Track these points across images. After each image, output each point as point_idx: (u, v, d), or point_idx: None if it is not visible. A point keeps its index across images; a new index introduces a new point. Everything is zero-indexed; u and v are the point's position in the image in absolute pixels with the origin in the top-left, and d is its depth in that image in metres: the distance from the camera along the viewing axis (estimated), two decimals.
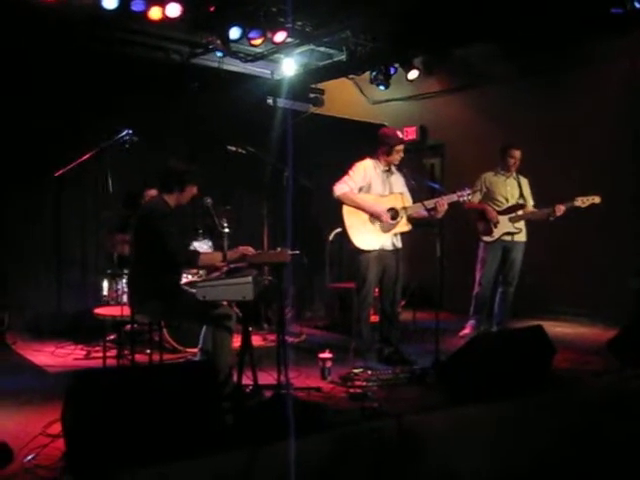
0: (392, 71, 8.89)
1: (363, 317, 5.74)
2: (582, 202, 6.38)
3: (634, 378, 5.16)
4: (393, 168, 5.85)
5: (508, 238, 6.72)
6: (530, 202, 6.84)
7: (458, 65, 8.97)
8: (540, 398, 4.62)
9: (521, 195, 6.78)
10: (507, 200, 6.78)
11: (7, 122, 6.58)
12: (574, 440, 4.59)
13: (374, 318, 6.06)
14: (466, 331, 6.88)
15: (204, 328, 4.59)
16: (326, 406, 4.20)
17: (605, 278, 7.23)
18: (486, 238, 6.79)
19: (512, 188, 6.80)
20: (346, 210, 5.70)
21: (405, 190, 5.87)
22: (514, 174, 6.84)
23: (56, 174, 5.94)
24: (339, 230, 5.99)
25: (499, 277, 6.87)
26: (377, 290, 5.90)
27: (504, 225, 6.72)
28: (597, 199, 6.37)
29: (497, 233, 6.73)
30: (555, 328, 6.82)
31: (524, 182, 6.88)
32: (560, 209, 6.41)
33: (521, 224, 6.76)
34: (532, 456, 4.40)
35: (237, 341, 4.62)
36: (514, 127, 8.19)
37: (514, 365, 4.68)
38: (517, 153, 6.73)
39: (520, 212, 6.75)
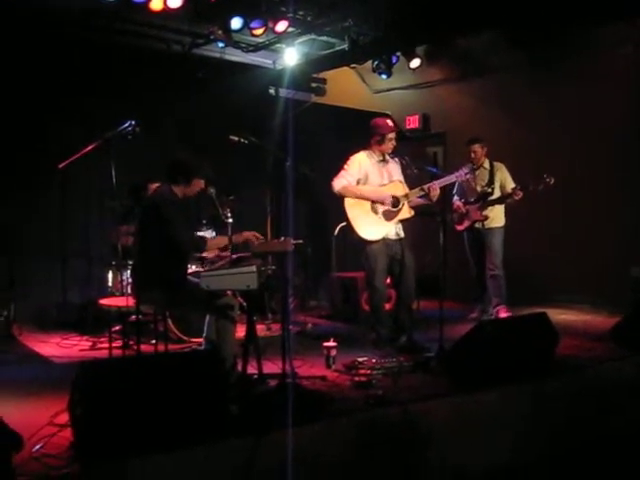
0: (394, 60, 8.86)
1: (380, 306, 5.75)
2: (533, 187, 6.61)
3: (637, 365, 5.18)
4: (388, 157, 5.84)
5: (479, 225, 6.98)
6: (509, 185, 6.94)
7: (460, 53, 8.91)
8: (544, 385, 4.64)
9: (490, 183, 6.94)
10: (475, 191, 7.02)
11: (11, 114, 6.59)
12: (578, 427, 4.61)
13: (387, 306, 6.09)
14: (474, 314, 7.10)
15: (207, 317, 4.61)
16: (331, 395, 4.22)
17: (608, 266, 7.22)
18: (458, 227, 7.16)
19: (480, 179, 7.01)
20: (348, 202, 5.71)
21: (402, 178, 5.87)
22: (485, 164, 7.03)
23: (60, 166, 5.95)
24: (344, 224, 5.99)
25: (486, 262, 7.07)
26: (390, 279, 5.90)
27: (473, 214, 6.98)
28: (551, 180, 6.56)
29: (467, 222, 7.05)
30: (559, 315, 6.81)
31: (498, 168, 7.03)
32: (518, 194, 6.68)
33: (490, 211, 6.93)
34: (536, 442, 4.43)
35: (241, 331, 4.64)
36: (516, 115, 8.19)
37: (518, 352, 4.68)
38: (475, 147, 6.98)
39: (489, 199, 6.93)
